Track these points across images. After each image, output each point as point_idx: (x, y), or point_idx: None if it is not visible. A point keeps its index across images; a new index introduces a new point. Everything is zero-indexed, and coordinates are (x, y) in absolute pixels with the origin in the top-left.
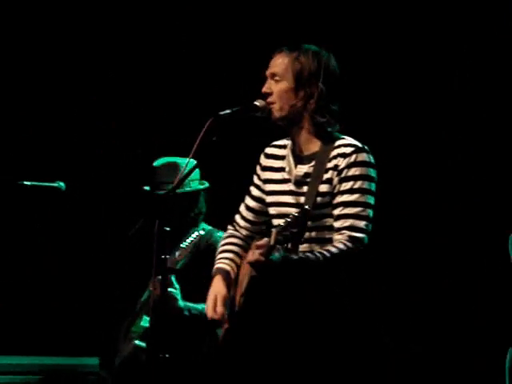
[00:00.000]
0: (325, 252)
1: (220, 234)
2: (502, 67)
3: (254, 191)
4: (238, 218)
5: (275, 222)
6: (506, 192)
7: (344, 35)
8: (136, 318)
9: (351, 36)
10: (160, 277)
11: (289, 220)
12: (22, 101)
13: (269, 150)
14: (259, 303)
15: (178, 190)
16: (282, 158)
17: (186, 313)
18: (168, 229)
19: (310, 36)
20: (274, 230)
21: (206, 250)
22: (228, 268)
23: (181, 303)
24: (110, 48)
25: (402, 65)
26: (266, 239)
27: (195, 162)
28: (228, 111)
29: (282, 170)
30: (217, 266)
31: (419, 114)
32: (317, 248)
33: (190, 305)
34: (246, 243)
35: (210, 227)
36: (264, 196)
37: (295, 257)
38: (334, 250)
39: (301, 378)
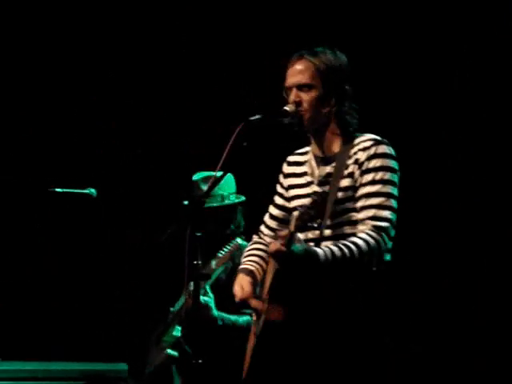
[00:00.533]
0: (349, 244)
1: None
2: (502, 66)
3: (278, 200)
4: (262, 227)
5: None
6: (506, 192)
7: (345, 34)
8: (168, 328)
9: (352, 35)
10: (192, 285)
11: (307, 204)
12: (51, 108)
13: (291, 158)
14: (283, 299)
15: (215, 204)
16: (304, 163)
17: (220, 322)
18: (199, 234)
19: (312, 35)
20: (293, 215)
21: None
22: (252, 268)
23: (215, 312)
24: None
25: (401, 65)
26: (286, 229)
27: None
28: (258, 116)
29: (305, 174)
30: (241, 267)
31: (419, 115)
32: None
33: (224, 315)
34: None
35: (246, 242)
36: (287, 204)
37: (318, 249)
38: (358, 240)
39: (312, 375)
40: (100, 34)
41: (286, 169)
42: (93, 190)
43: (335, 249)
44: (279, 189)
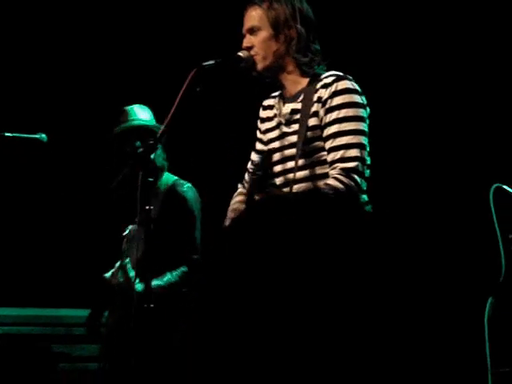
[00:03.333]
0: (320, 191)
1: (186, 184)
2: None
3: (257, 145)
4: (246, 175)
5: (275, 168)
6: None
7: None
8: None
9: (350, 33)
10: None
11: (255, 163)
12: (4, 54)
13: (266, 102)
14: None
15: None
16: (274, 106)
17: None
18: (151, 179)
19: None
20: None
21: (176, 200)
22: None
23: (138, 287)
24: None
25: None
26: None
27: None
28: (212, 62)
29: (275, 116)
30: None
31: (415, 113)
32: (313, 185)
33: (154, 282)
34: None
35: (175, 177)
36: (265, 148)
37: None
38: (326, 190)
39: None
40: None
41: (262, 113)
42: (43, 135)
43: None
44: (258, 134)
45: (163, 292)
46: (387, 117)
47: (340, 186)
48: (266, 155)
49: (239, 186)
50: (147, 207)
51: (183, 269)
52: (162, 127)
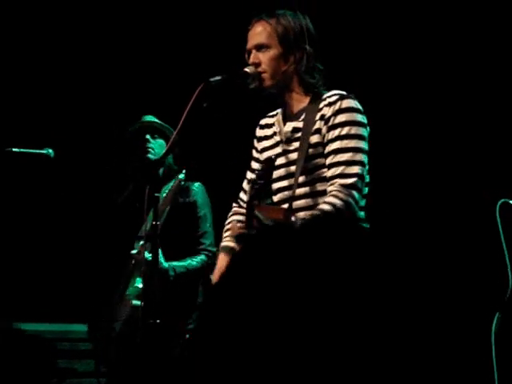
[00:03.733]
0: (317, 213)
1: (197, 183)
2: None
3: (253, 164)
4: (241, 194)
5: (275, 185)
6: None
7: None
8: (129, 281)
9: (349, 31)
10: (144, 242)
11: (256, 173)
12: (7, 66)
13: (263, 121)
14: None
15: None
16: (273, 125)
17: (172, 273)
18: (158, 194)
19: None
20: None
21: (187, 197)
22: (232, 244)
23: (164, 264)
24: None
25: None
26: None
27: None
28: (218, 78)
29: (274, 135)
30: (221, 244)
31: (412, 112)
32: (313, 202)
33: (175, 263)
34: None
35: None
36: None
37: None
38: (325, 206)
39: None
40: None
41: (259, 132)
42: (50, 151)
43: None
44: (254, 153)
45: (183, 273)
46: (389, 127)
47: (338, 202)
48: (266, 168)
49: (234, 205)
50: (154, 223)
51: (203, 257)
52: (170, 142)
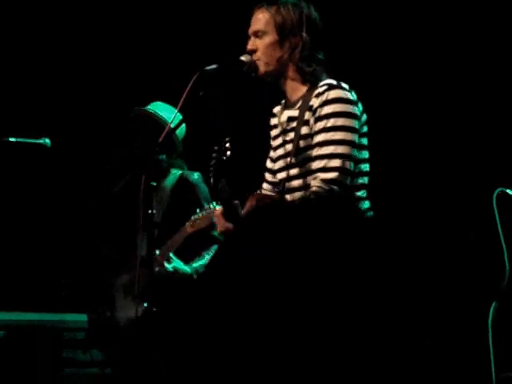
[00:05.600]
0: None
1: (196, 174)
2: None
3: (271, 152)
4: (264, 184)
5: (279, 176)
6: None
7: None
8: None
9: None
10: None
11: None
12: (8, 58)
13: (274, 109)
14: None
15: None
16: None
17: (195, 275)
18: (154, 184)
19: None
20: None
21: (187, 188)
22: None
23: (187, 270)
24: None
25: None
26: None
27: (180, 116)
28: (214, 66)
29: (279, 124)
30: None
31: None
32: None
33: (196, 265)
34: None
35: (181, 170)
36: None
37: None
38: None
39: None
40: None
41: (271, 121)
42: (47, 140)
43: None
44: (271, 141)
45: None
46: (388, 119)
47: (319, 198)
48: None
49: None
50: (149, 211)
51: (215, 247)
52: (165, 131)
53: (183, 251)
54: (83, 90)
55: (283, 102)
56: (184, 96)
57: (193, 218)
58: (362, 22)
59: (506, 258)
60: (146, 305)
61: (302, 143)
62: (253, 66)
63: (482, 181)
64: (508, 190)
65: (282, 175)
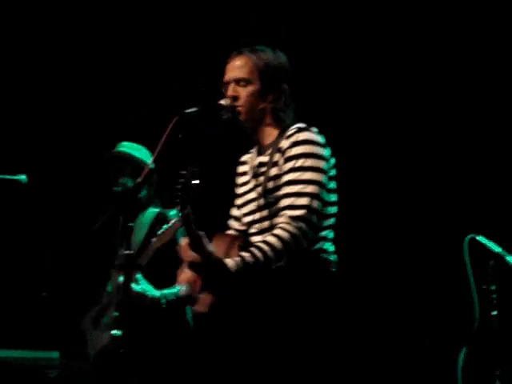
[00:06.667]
0: (261, 245)
1: (172, 212)
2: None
3: (237, 200)
4: (230, 231)
5: (245, 219)
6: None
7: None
8: (105, 310)
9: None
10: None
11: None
12: None
13: (242, 158)
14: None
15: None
16: (248, 161)
17: (164, 300)
18: (132, 224)
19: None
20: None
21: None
22: None
23: (156, 294)
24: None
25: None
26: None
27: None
28: (193, 109)
29: (248, 171)
30: None
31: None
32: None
33: (166, 291)
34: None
35: (159, 208)
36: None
37: (229, 260)
38: (271, 239)
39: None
40: None
41: (238, 169)
42: (23, 177)
43: (246, 255)
44: (236, 189)
45: (174, 300)
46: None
47: (285, 235)
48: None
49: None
50: (127, 252)
51: None
52: (145, 172)
53: (154, 278)
54: (61, 127)
55: (254, 149)
56: (163, 139)
57: (159, 233)
58: (362, 22)
59: (475, 304)
60: (115, 332)
61: (270, 184)
62: (233, 111)
63: (453, 227)
64: (478, 237)
65: (251, 218)
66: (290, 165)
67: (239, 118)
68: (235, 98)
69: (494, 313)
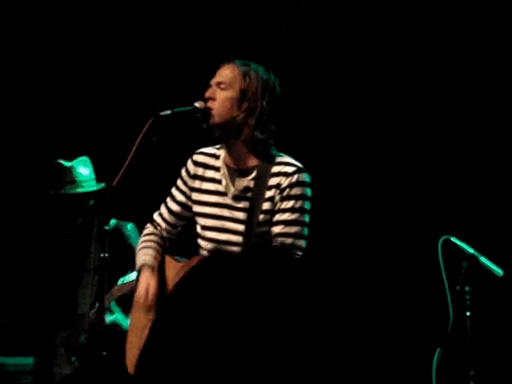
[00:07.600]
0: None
1: (129, 225)
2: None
3: (179, 196)
4: (159, 219)
5: (208, 234)
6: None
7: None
8: (77, 334)
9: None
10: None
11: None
12: None
13: (198, 158)
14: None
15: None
16: (213, 168)
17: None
18: (107, 228)
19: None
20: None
21: (119, 240)
22: (154, 265)
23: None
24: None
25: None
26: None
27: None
28: (168, 112)
29: (214, 181)
30: (142, 259)
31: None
32: None
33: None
34: (165, 244)
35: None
36: (189, 203)
37: None
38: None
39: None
40: None
41: (193, 168)
42: None
43: None
44: (181, 185)
45: None
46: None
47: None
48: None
49: (148, 225)
50: (102, 255)
51: None
52: (118, 175)
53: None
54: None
55: (211, 152)
56: (138, 141)
57: (119, 282)
58: (361, 22)
59: (449, 305)
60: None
61: (262, 217)
62: (206, 113)
63: (427, 228)
64: (452, 238)
65: (214, 235)
66: (289, 204)
67: (211, 121)
68: (210, 100)
69: (468, 314)
